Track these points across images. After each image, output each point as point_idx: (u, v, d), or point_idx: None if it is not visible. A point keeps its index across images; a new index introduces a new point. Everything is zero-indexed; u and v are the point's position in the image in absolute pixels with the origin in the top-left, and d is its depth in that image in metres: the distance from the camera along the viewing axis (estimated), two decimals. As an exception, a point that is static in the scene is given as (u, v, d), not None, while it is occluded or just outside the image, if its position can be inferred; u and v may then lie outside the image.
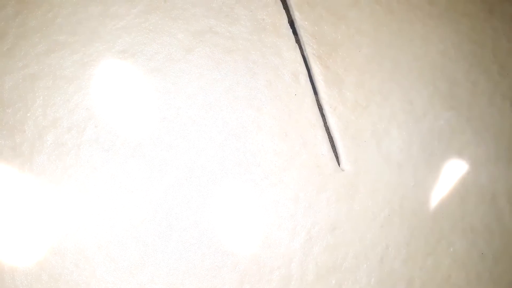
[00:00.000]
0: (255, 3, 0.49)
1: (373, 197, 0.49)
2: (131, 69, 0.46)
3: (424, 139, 0.51)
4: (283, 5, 0.49)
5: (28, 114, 0.44)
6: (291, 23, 0.50)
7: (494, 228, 0.52)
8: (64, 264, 0.43)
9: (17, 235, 0.43)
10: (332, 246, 0.47)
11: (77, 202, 0.44)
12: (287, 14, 0.49)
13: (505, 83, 0.54)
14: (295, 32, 0.50)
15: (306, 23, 0.49)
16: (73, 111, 0.45)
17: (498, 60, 0.54)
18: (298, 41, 0.50)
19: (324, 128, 0.49)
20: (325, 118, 0.50)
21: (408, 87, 0.51)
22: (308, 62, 0.49)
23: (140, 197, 0.45)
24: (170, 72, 0.47)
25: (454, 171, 0.52)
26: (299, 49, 0.49)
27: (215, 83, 0.47)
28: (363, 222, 0.48)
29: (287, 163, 0.47)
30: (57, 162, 0.44)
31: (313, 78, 0.49)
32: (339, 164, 0.49)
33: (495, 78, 0.54)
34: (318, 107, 0.49)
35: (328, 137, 0.49)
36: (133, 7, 0.46)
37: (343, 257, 0.47)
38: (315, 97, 0.49)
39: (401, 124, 0.50)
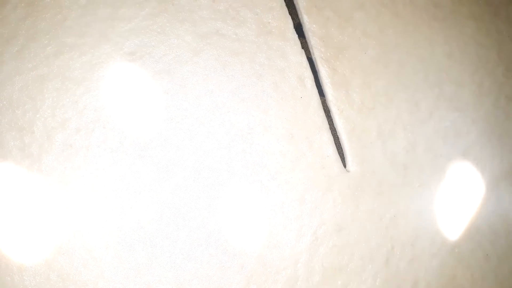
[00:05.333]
0: (261, 6, 0.49)
1: (378, 198, 0.49)
2: (139, 71, 0.46)
3: (430, 141, 0.51)
4: (288, 9, 0.50)
5: (37, 115, 0.44)
6: (297, 27, 0.50)
7: (499, 229, 0.52)
8: (72, 264, 0.43)
9: (26, 235, 0.43)
10: (338, 247, 0.47)
11: (85, 202, 0.44)
12: (292, 18, 0.50)
13: (510, 85, 0.54)
14: (301, 35, 0.50)
15: (314, 26, 0.50)
16: (82, 112, 0.45)
17: (503, 62, 0.54)
18: (304, 44, 0.50)
19: (329, 130, 0.49)
20: (330, 120, 0.50)
21: (413, 89, 0.51)
22: (315, 65, 0.50)
23: (147, 198, 0.45)
24: (177, 74, 0.47)
25: (459, 172, 0.52)
26: (306, 52, 0.50)
27: (221, 85, 0.47)
28: (369, 223, 0.49)
29: (293, 164, 0.48)
30: (66, 163, 0.44)
31: (320, 81, 0.50)
32: (344, 166, 0.49)
33: (500, 80, 0.54)
34: (324, 109, 0.50)
35: (334, 139, 0.50)
36: (141, 10, 0.47)
37: (349, 258, 0.48)
38: (322, 99, 0.50)
39: (406, 125, 0.51)
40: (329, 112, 0.50)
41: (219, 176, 0.46)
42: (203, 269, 0.45)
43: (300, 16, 0.50)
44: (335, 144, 0.49)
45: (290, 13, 0.50)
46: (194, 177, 0.46)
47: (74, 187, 0.44)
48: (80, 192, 0.44)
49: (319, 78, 0.50)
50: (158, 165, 0.46)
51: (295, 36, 0.49)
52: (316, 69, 0.50)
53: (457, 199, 0.51)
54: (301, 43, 0.50)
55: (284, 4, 0.50)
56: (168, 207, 0.45)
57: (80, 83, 0.45)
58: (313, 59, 0.50)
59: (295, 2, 0.50)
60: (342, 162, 0.49)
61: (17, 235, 0.43)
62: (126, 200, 0.45)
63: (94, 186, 0.44)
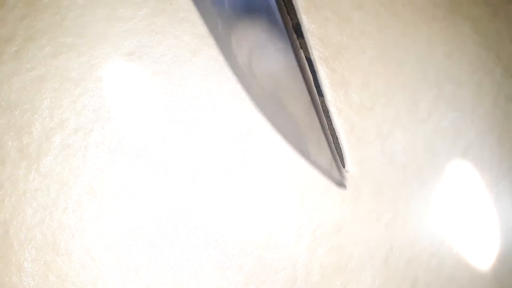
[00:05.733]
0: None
1: (377, 198, 0.49)
2: (138, 71, 0.46)
3: (428, 140, 0.51)
4: (287, 9, 0.50)
5: (35, 116, 0.44)
6: (295, 27, 0.50)
7: (498, 228, 0.52)
8: (71, 264, 0.43)
9: (25, 235, 0.43)
10: (337, 247, 0.47)
11: (84, 203, 0.44)
12: (290, 18, 0.50)
13: (509, 85, 0.54)
14: (299, 35, 0.50)
15: (313, 26, 0.49)
16: (80, 112, 0.45)
17: (502, 62, 0.54)
18: (303, 44, 0.50)
19: (328, 130, 0.49)
20: (329, 120, 0.50)
21: (412, 89, 0.51)
22: (314, 65, 0.50)
23: (146, 198, 0.45)
24: (176, 74, 0.47)
25: (458, 172, 0.52)
26: (304, 52, 0.50)
27: (220, 85, 0.47)
28: (368, 223, 0.49)
29: (292, 165, 0.48)
30: (64, 163, 0.44)
31: (319, 81, 0.50)
32: (343, 166, 0.49)
33: (499, 80, 0.54)
34: (323, 109, 0.50)
35: (333, 139, 0.50)
36: (140, 10, 0.47)
37: (348, 258, 0.48)
38: (321, 99, 0.50)
39: (405, 125, 0.51)
40: (328, 112, 0.50)
41: (218, 176, 0.46)
42: (202, 269, 0.45)
43: (298, 16, 0.50)
44: (334, 144, 0.49)
45: (288, 13, 0.50)
46: (193, 178, 0.46)
47: (73, 187, 0.44)
48: (78, 193, 0.44)
49: (318, 78, 0.50)
50: (156, 165, 0.46)
51: (293, 36, 0.49)
52: (315, 69, 0.50)
53: (456, 199, 0.51)
54: (300, 43, 0.50)
55: (282, 4, 0.49)
56: (167, 208, 0.45)
57: (78, 83, 0.45)
58: (312, 59, 0.50)
59: (293, 1, 0.50)
60: (341, 162, 0.49)
61: (16, 235, 0.43)
62: (124, 201, 0.45)
63: (93, 187, 0.44)
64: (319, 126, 0.39)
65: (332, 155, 0.41)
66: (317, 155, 0.42)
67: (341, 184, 0.43)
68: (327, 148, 0.40)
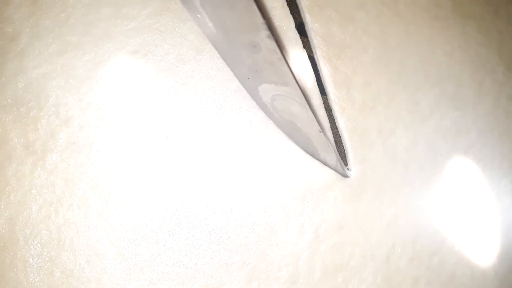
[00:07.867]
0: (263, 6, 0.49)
1: (379, 197, 0.49)
2: (142, 69, 0.47)
3: (430, 139, 0.51)
4: (290, 9, 0.50)
5: (41, 113, 0.45)
6: (299, 26, 0.50)
7: (499, 226, 0.53)
8: (75, 260, 0.43)
9: (29, 233, 0.43)
10: (339, 244, 0.48)
11: (89, 199, 0.44)
12: (294, 17, 0.50)
13: (510, 84, 0.55)
14: (302, 34, 0.50)
15: (317, 25, 0.50)
16: (85, 110, 0.45)
17: (503, 62, 0.55)
18: (306, 43, 0.51)
19: (331, 128, 0.50)
20: (332, 119, 0.50)
21: (414, 88, 0.52)
22: (317, 64, 0.50)
23: (150, 195, 0.45)
24: (180, 72, 0.47)
25: (459, 171, 0.52)
26: (307, 50, 0.50)
27: (224, 83, 0.48)
28: (370, 221, 0.49)
29: (294, 162, 0.48)
30: (69, 160, 0.44)
31: (322, 80, 0.50)
32: (346, 164, 0.50)
33: (500, 79, 0.54)
34: (326, 108, 0.50)
35: (335, 138, 0.50)
36: (144, 9, 0.47)
37: (349, 256, 0.48)
38: (323, 97, 0.50)
39: (407, 124, 0.51)
40: (331, 110, 0.50)
41: (221, 173, 0.47)
42: (205, 266, 0.45)
43: (302, 15, 0.50)
44: (337, 142, 0.50)
45: (292, 12, 0.50)
46: (196, 174, 0.46)
47: (78, 184, 0.44)
48: (83, 189, 0.44)
49: (321, 77, 0.50)
50: (160, 162, 0.46)
51: (296, 35, 0.50)
52: (318, 67, 0.50)
53: (457, 197, 0.52)
54: (303, 42, 0.50)
55: (285, 3, 0.50)
56: (171, 204, 0.46)
57: (83, 81, 0.45)
58: (315, 58, 0.50)
59: (297, 1, 0.51)
60: (344, 160, 0.50)
61: (22, 230, 0.43)
62: (129, 197, 0.45)
63: (98, 183, 0.45)
64: (327, 141, 0.46)
65: (338, 156, 0.47)
66: (326, 156, 0.47)
67: (345, 175, 0.48)
68: (334, 152, 0.47)
